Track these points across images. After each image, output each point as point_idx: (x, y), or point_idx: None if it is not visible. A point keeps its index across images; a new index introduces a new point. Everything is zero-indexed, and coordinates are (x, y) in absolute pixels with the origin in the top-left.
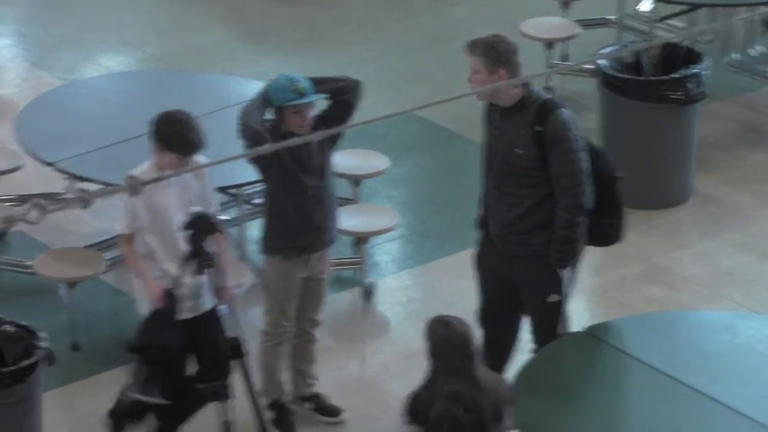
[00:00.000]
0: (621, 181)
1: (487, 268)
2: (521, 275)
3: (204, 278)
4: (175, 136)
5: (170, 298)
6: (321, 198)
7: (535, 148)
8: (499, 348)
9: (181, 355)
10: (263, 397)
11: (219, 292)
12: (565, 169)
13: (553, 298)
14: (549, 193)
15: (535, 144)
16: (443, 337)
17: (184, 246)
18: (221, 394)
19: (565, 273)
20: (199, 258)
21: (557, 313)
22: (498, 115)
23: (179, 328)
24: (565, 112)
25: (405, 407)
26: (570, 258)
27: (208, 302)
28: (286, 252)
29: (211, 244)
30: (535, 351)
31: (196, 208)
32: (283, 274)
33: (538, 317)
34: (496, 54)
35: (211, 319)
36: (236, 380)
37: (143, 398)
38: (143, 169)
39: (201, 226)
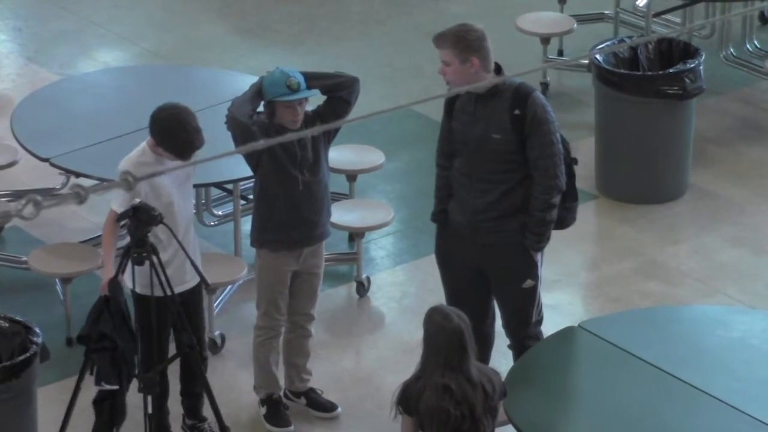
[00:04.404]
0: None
1: (454, 260)
2: (494, 263)
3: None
4: (173, 138)
5: (115, 286)
6: (313, 193)
7: (513, 131)
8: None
9: (129, 340)
10: (257, 392)
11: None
12: (544, 151)
13: (528, 283)
14: (522, 177)
15: (513, 128)
16: (440, 327)
17: (182, 222)
18: (151, 386)
19: (538, 257)
20: (138, 248)
21: (532, 299)
22: (471, 102)
23: (123, 317)
24: (541, 95)
25: (396, 397)
26: (546, 240)
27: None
28: (274, 245)
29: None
30: (512, 345)
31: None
32: (272, 266)
33: (512, 305)
34: (466, 43)
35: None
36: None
37: (99, 387)
38: (138, 151)
39: (140, 216)
